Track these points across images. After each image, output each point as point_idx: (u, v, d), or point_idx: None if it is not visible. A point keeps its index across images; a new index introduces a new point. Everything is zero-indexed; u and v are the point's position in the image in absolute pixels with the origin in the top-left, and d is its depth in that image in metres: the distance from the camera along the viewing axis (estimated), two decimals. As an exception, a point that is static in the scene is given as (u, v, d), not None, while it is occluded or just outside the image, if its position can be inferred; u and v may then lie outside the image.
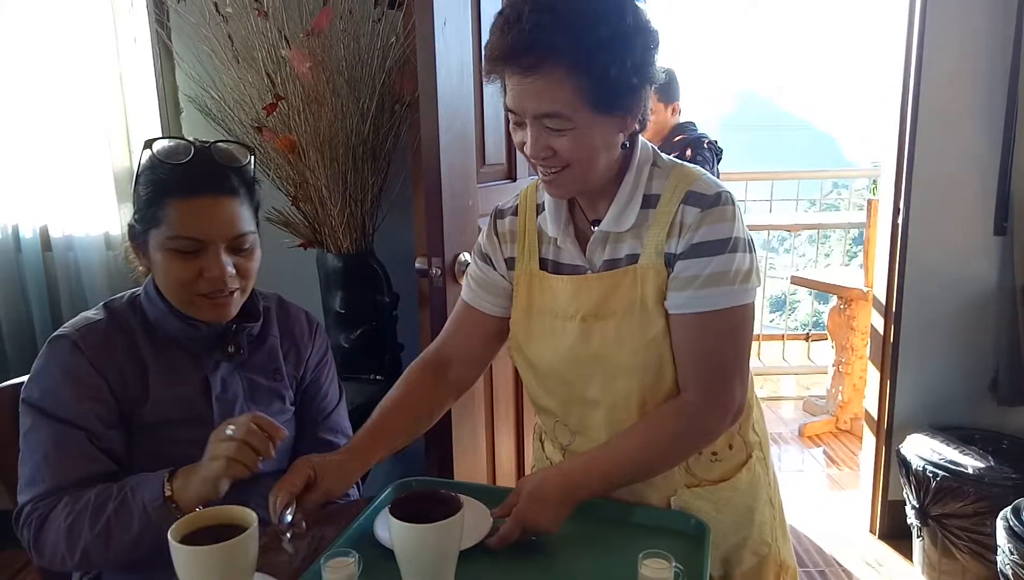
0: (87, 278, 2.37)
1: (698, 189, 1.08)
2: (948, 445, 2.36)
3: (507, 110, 1.06)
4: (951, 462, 2.28)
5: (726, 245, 1.05)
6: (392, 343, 2.30)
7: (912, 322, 2.54)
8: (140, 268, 1.23)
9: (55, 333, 1.19)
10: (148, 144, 1.16)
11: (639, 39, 1.01)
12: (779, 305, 5.35)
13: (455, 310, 1.31)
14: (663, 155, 1.15)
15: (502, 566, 1.02)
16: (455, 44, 1.66)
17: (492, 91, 1.62)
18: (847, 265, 5.58)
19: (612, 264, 1.13)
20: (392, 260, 2.28)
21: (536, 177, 1.17)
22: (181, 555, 0.86)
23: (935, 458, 2.32)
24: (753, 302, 1.09)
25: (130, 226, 1.20)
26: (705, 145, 3.08)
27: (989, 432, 2.49)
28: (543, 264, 1.20)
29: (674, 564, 0.93)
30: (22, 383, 1.28)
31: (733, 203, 1.08)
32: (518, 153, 2.04)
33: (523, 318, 1.21)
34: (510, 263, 1.24)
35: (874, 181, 4.53)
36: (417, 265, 1.67)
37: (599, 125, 1.02)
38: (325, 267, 2.25)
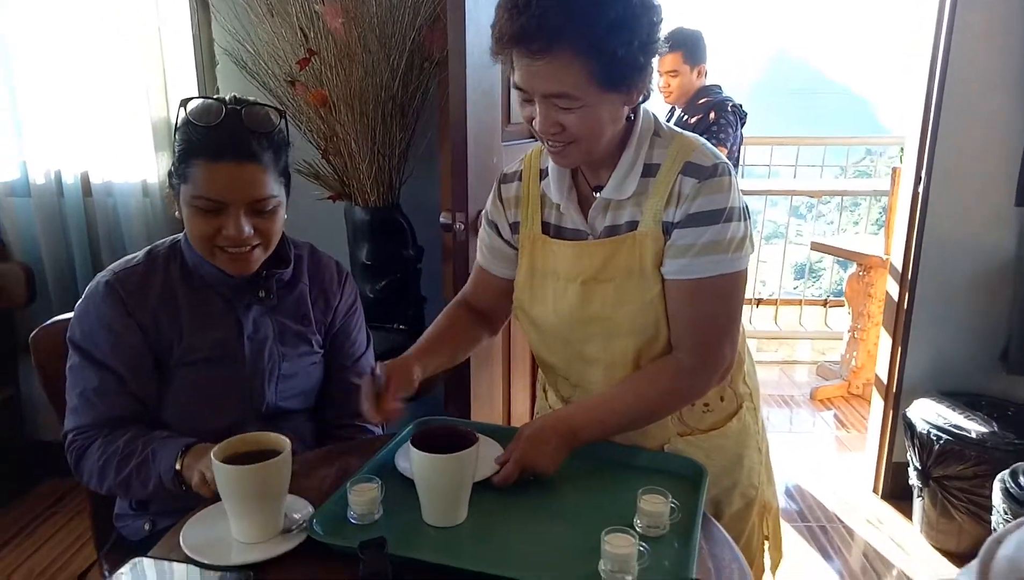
0: (125, 223, 2.47)
1: (696, 160, 1.11)
2: (954, 410, 2.42)
3: (515, 87, 1.08)
4: (955, 426, 2.34)
5: (721, 215, 1.10)
6: (415, 294, 2.39)
7: (927, 289, 2.57)
8: (177, 214, 1.32)
9: (96, 277, 1.29)
10: (183, 103, 1.22)
11: (645, 17, 1.03)
12: (802, 272, 5.35)
13: (474, 268, 1.39)
14: (664, 124, 1.18)
15: (509, 499, 1.10)
16: (484, 2, 1.70)
17: None
18: (876, 234, 5.56)
19: (613, 230, 1.17)
20: (417, 214, 2.35)
21: (539, 142, 1.21)
22: (223, 474, 0.96)
23: (940, 422, 2.37)
24: (746, 269, 1.15)
25: (168, 173, 1.28)
26: (729, 109, 3.09)
27: (996, 399, 2.53)
28: (545, 228, 1.24)
29: (670, 500, 1.01)
30: (67, 320, 1.39)
31: (730, 174, 1.12)
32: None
33: (526, 280, 1.26)
34: (515, 227, 1.28)
35: (902, 148, 4.49)
36: (442, 219, 1.74)
37: (606, 101, 1.05)
38: (353, 220, 2.33)
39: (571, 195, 1.21)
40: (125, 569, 0.94)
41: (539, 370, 1.44)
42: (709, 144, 1.15)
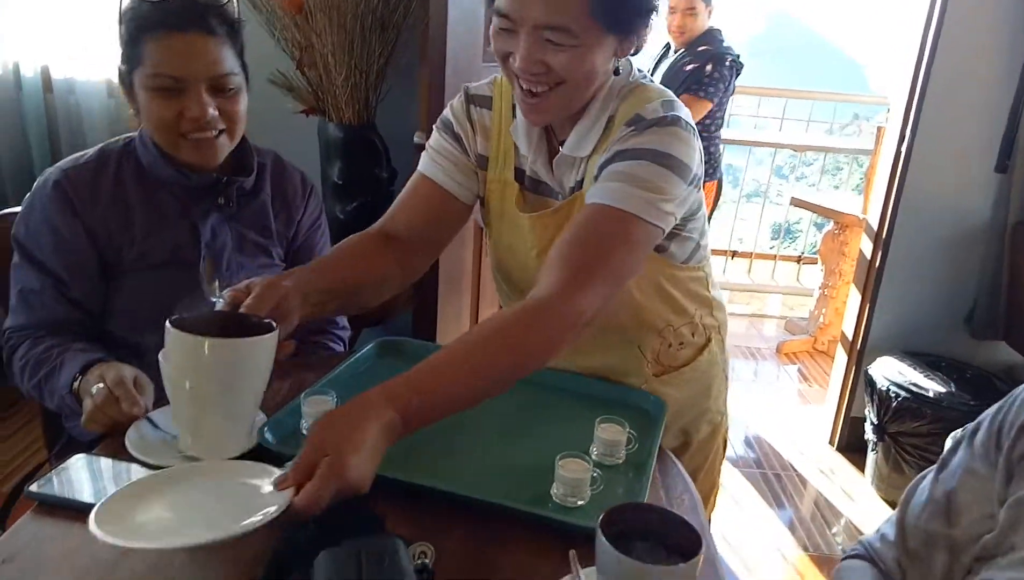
0: (88, 123, 2.37)
1: (646, 113, 0.99)
2: (915, 369, 2.45)
3: (497, 14, 0.95)
4: (915, 384, 2.37)
5: (658, 156, 0.96)
6: (387, 218, 2.34)
7: (900, 249, 2.58)
8: (131, 112, 1.25)
9: (45, 173, 1.23)
10: None
11: None
12: (778, 232, 5.36)
13: (409, 185, 1.18)
14: (638, 73, 1.07)
15: (467, 422, 1.08)
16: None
17: None
18: (857, 197, 5.56)
19: (578, 188, 1.07)
20: (393, 135, 2.28)
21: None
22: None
23: (900, 379, 2.41)
24: (652, 229, 0.97)
25: (119, 70, 1.21)
26: (727, 63, 2.99)
27: (957, 361, 2.57)
28: (519, 175, 1.13)
29: (627, 430, 1.00)
30: (14, 214, 1.33)
31: (690, 131, 1.00)
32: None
33: (497, 224, 1.16)
34: (481, 161, 1.16)
35: (888, 108, 4.46)
36: (416, 139, 1.68)
37: (602, 45, 0.95)
38: (326, 136, 2.25)
39: (540, 147, 1.10)
40: (67, 465, 0.91)
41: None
42: (676, 101, 1.03)
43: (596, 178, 1.00)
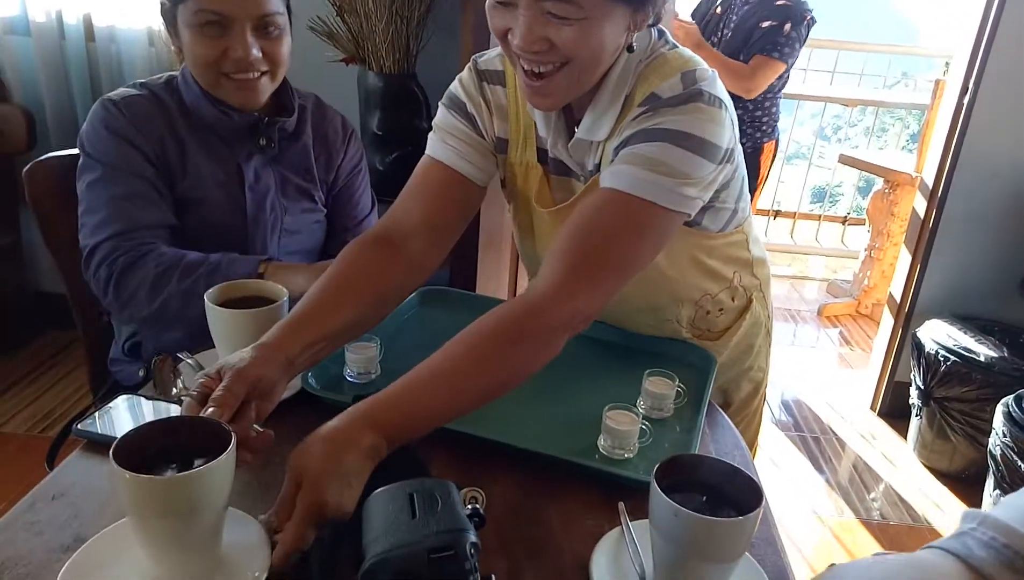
0: (128, 71, 2.37)
1: (662, 92, 0.89)
2: (965, 333, 2.38)
3: None
4: (964, 348, 2.30)
5: (678, 137, 0.86)
6: (426, 171, 2.31)
7: (955, 209, 2.48)
8: (174, 50, 1.23)
9: (99, 100, 1.20)
10: None
11: None
12: (820, 195, 5.21)
13: (418, 172, 1.06)
14: (658, 40, 0.95)
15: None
16: None
17: None
18: (909, 156, 5.38)
19: (595, 171, 0.99)
20: (433, 86, 2.22)
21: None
22: (217, 317, 0.92)
23: (949, 343, 2.34)
24: (671, 216, 0.88)
25: (161, 5, 1.19)
26: (806, 22, 2.66)
27: (1010, 326, 2.49)
28: (542, 156, 1.04)
29: (677, 383, 0.97)
30: (64, 156, 1.33)
31: (716, 104, 0.89)
32: None
33: (521, 206, 1.10)
34: (500, 145, 1.06)
35: (947, 63, 4.27)
36: (459, 86, 1.64)
37: (613, 17, 0.84)
38: (365, 86, 2.22)
39: (558, 128, 1.00)
40: (112, 404, 0.92)
41: None
42: (700, 70, 0.91)
43: (612, 163, 0.92)
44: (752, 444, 1.34)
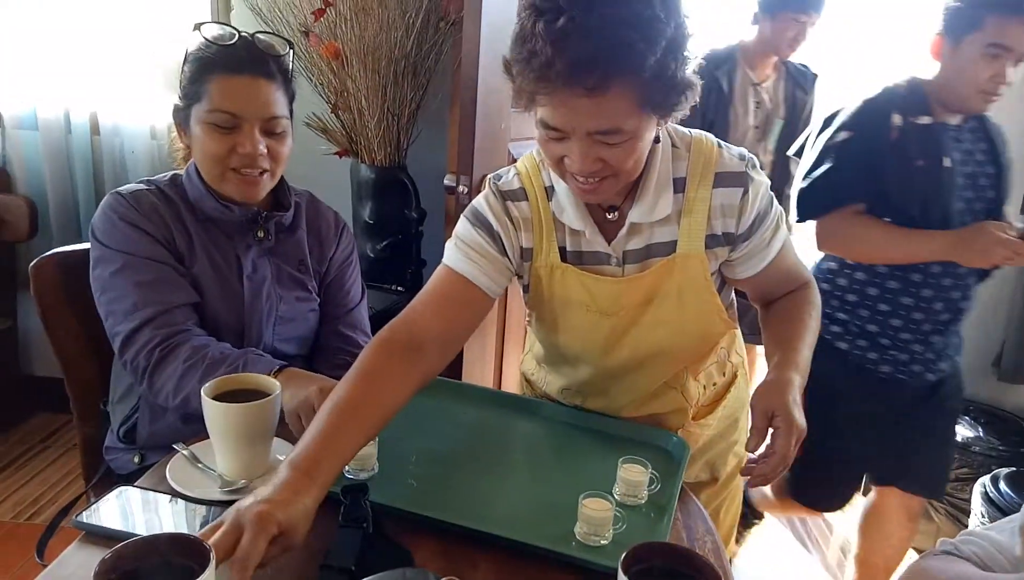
0: (131, 164, 2.47)
1: (723, 169, 1.07)
2: (942, 412, 2.43)
3: (545, 126, 0.95)
4: (942, 428, 2.35)
5: (768, 203, 1.11)
6: (416, 257, 2.39)
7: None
8: (181, 146, 1.32)
9: (108, 196, 1.28)
10: (197, 26, 1.25)
11: (685, 29, 0.93)
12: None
13: (437, 282, 1.11)
14: (676, 129, 1.10)
15: (493, 459, 1.12)
16: (503, -34, 1.68)
17: None
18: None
19: (644, 253, 1.10)
20: (423, 177, 2.35)
21: (531, 154, 1.13)
22: (212, 410, 0.97)
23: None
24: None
25: (175, 106, 1.28)
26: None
27: (986, 405, 2.54)
28: (563, 254, 1.13)
29: (650, 470, 1.02)
30: (69, 251, 1.40)
31: (755, 164, 1.10)
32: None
33: (546, 309, 1.18)
34: (527, 254, 1.14)
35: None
36: (446, 181, 1.74)
37: (649, 127, 0.96)
38: (358, 177, 2.33)
39: (588, 218, 1.10)
40: (110, 496, 0.95)
41: (531, 361, 1.38)
42: (722, 142, 1.10)
43: (715, 245, 1.10)
44: (736, 520, 1.40)
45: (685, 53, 0.92)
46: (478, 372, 1.93)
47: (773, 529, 2.56)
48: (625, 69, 0.87)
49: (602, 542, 0.92)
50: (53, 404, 2.60)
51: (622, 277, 1.11)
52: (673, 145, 1.08)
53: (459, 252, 1.10)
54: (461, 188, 1.70)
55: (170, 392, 1.18)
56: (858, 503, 2.72)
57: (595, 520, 0.91)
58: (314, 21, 2.13)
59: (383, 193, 2.28)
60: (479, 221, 1.12)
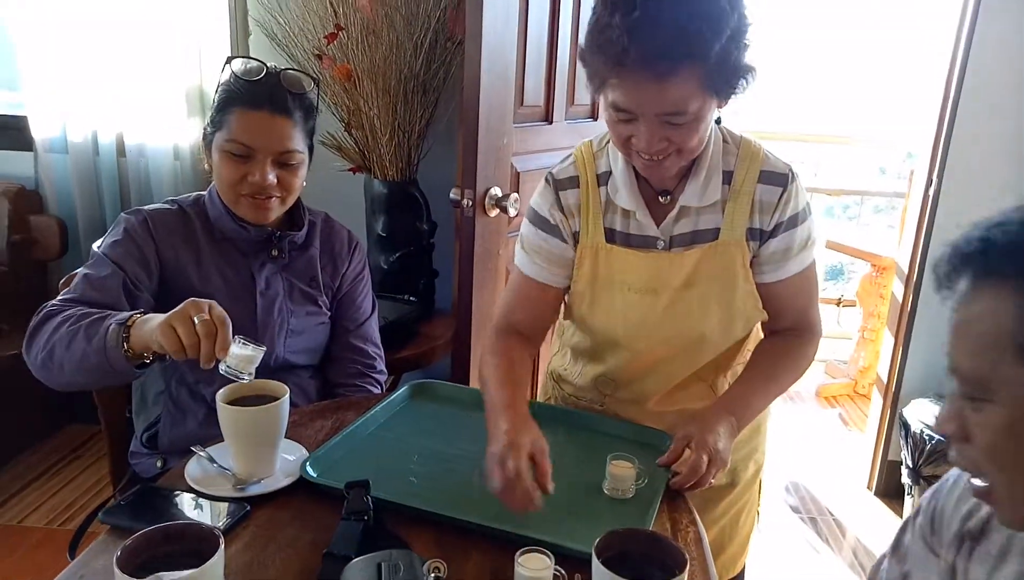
0: (155, 183, 2.58)
1: (768, 168, 1.17)
2: (949, 413, 2.45)
3: (615, 108, 1.04)
4: (948, 428, 2.37)
5: (803, 216, 1.18)
6: (428, 268, 2.46)
7: (931, 292, 2.58)
8: (206, 167, 1.41)
9: (135, 207, 1.38)
10: (229, 60, 1.35)
11: (746, 19, 1.02)
12: (836, 273, 5.32)
13: (514, 283, 1.30)
14: (727, 128, 1.21)
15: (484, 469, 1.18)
16: (502, -11, 1.76)
17: (535, 36, 1.68)
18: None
19: (692, 238, 1.18)
20: (433, 190, 2.42)
21: (588, 142, 1.24)
22: (227, 414, 1.04)
23: (933, 422, 2.40)
24: None
25: (203, 130, 1.38)
26: None
27: (994, 405, 2.55)
28: (609, 235, 1.21)
29: (637, 466, 1.08)
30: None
31: (798, 175, 1.19)
32: (556, 96, 2.14)
33: (587, 290, 1.24)
34: (576, 237, 1.24)
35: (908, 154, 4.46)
36: (452, 195, 1.81)
37: (712, 108, 1.05)
38: (371, 192, 2.41)
39: (640, 200, 1.19)
40: (134, 494, 1.03)
41: (558, 361, 1.43)
42: (768, 150, 1.20)
43: (755, 240, 1.18)
44: (752, 526, 1.43)
45: (745, 40, 1.02)
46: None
47: (787, 530, 2.60)
48: (693, 57, 0.96)
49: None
50: (83, 416, 2.71)
51: (667, 253, 1.19)
52: (724, 141, 1.19)
53: (525, 255, 1.27)
54: (466, 201, 1.77)
55: (41, 346, 1.19)
56: (873, 502, 2.74)
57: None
58: (327, 44, 2.22)
59: (395, 207, 2.36)
60: (537, 220, 1.25)
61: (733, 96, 1.07)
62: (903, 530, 0.90)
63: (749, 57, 1.03)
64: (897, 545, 0.90)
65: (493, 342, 1.25)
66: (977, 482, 0.67)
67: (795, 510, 2.73)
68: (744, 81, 1.05)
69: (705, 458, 1.05)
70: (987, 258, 0.61)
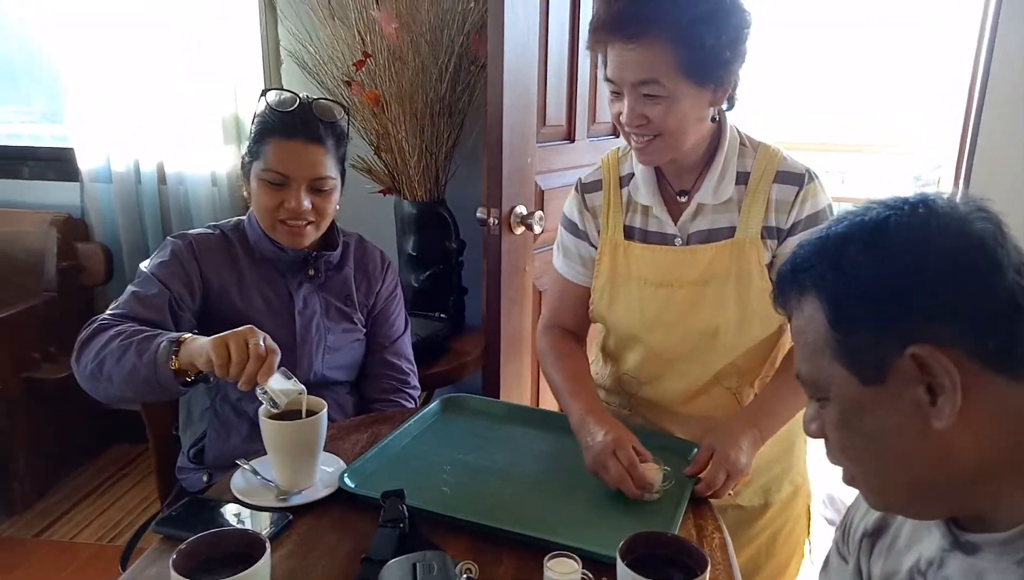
0: (195, 209, 2.68)
1: (785, 168, 1.21)
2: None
3: (607, 81, 1.16)
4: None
5: (823, 216, 1.20)
6: (457, 285, 2.52)
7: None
8: (245, 194, 1.48)
9: (181, 231, 1.46)
10: (264, 92, 1.42)
11: (733, 18, 1.11)
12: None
13: (554, 286, 1.41)
14: (748, 134, 1.26)
15: (513, 468, 1.22)
16: (522, 12, 1.82)
17: (555, 58, 1.74)
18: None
19: (707, 235, 1.23)
20: (461, 210, 2.48)
21: (616, 148, 1.32)
22: (269, 428, 1.10)
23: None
24: None
25: (242, 159, 1.46)
26: None
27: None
28: (628, 232, 1.29)
29: (663, 467, 1.12)
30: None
31: (817, 178, 1.22)
32: (578, 115, 2.19)
33: (606, 285, 1.30)
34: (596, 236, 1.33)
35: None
36: (478, 214, 1.86)
37: (691, 96, 1.12)
38: (401, 213, 2.48)
39: (658, 198, 1.26)
40: (185, 503, 1.09)
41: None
42: (788, 153, 1.24)
43: (771, 238, 1.21)
44: (793, 554, 1.42)
45: (729, 33, 1.10)
46: (516, 392, 2.04)
47: (825, 545, 2.58)
48: (660, 22, 1.07)
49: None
50: (129, 435, 2.81)
51: (684, 248, 1.24)
52: (742, 144, 1.24)
53: (563, 258, 1.37)
54: (492, 220, 1.82)
55: (91, 358, 1.25)
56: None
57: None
58: (355, 71, 2.30)
59: (425, 227, 2.42)
60: (568, 225, 1.36)
61: (720, 91, 1.14)
62: (835, 543, 0.91)
63: (736, 53, 1.12)
64: (826, 562, 0.92)
65: (548, 340, 1.36)
66: (844, 472, 0.74)
67: (831, 523, 2.71)
68: (726, 74, 1.13)
69: (722, 475, 1.11)
70: (795, 275, 0.69)
